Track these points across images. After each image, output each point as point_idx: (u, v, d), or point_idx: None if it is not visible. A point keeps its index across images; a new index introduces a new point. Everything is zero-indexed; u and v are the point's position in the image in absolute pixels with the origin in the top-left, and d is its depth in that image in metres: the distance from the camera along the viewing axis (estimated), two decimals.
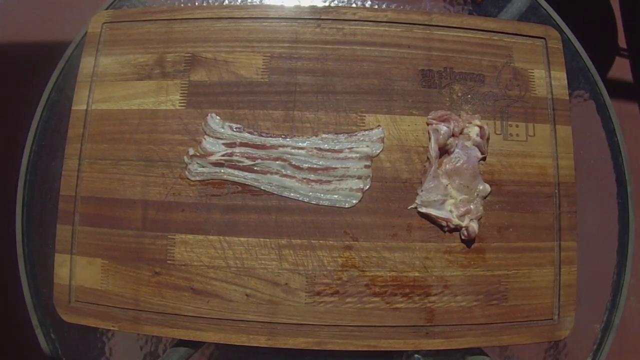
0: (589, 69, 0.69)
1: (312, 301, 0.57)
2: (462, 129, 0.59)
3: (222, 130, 0.60)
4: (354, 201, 0.58)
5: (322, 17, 0.63)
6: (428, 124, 0.60)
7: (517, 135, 0.61)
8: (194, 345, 0.60)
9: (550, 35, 0.63)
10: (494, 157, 0.60)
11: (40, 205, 0.65)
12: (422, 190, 0.58)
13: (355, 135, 0.60)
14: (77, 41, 0.68)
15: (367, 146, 0.59)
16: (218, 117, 0.60)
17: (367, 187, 0.58)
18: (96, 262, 0.58)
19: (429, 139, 0.59)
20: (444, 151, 0.60)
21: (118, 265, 0.58)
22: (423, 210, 0.58)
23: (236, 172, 0.59)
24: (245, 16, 0.63)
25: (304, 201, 0.58)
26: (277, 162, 0.59)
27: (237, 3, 0.70)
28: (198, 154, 0.59)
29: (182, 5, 0.71)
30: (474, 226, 0.57)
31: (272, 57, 0.62)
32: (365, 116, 0.60)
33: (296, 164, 0.59)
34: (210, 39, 0.62)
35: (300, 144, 0.59)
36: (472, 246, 0.58)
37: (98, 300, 0.58)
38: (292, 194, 0.58)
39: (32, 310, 0.62)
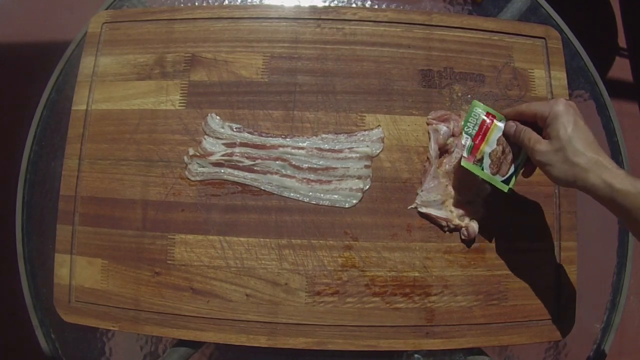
0: (589, 69, 0.69)
1: (312, 301, 0.57)
2: (462, 129, 0.59)
3: (222, 130, 0.60)
4: (354, 201, 0.58)
5: (322, 17, 0.63)
6: (428, 124, 0.60)
7: None
8: (194, 345, 0.60)
9: (550, 35, 0.63)
10: None
11: (40, 205, 0.65)
12: (422, 190, 0.58)
13: (355, 135, 0.60)
14: (77, 41, 0.68)
15: (367, 146, 0.59)
16: (218, 117, 0.60)
17: (367, 187, 0.58)
18: (96, 262, 0.58)
19: (429, 139, 0.59)
20: (444, 151, 0.60)
21: (118, 265, 0.58)
22: (423, 210, 0.58)
23: (236, 172, 0.59)
24: (245, 16, 0.63)
25: (304, 201, 0.58)
26: (277, 162, 0.59)
27: (237, 3, 0.70)
28: (198, 154, 0.59)
29: (182, 5, 0.71)
30: (474, 226, 0.57)
31: (272, 57, 0.62)
32: (365, 116, 0.60)
33: (296, 164, 0.59)
34: (210, 39, 0.62)
35: (300, 144, 0.59)
36: (472, 246, 0.58)
37: (98, 300, 0.58)
38: (292, 194, 0.58)
39: (32, 310, 0.62)
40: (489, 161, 0.53)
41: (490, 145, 0.53)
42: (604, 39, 1.32)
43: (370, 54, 0.62)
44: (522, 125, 0.51)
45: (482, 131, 0.53)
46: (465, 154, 0.54)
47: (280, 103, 0.60)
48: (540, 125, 0.49)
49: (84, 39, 0.64)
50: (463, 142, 0.53)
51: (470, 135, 0.53)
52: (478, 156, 0.53)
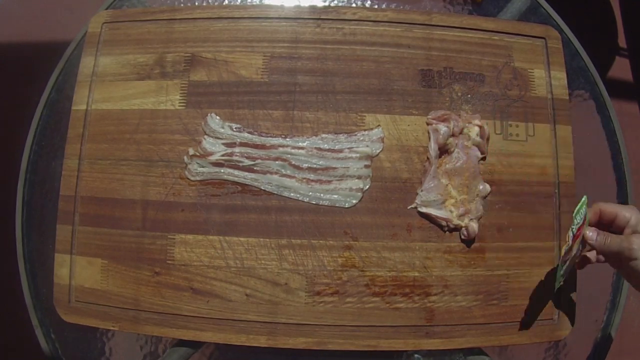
0: (589, 69, 0.69)
1: (312, 301, 0.57)
2: (462, 129, 0.59)
3: (222, 130, 0.60)
4: (354, 201, 0.58)
5: (322, 17, 0.63)
6: (428, 124, 0.60)
7: (517, 135, 0.61)
8: (194, 345, 0.60)
9: (550, 35, 0.63)
10: (494, 157, 0.60)
11: (40, 205, 0.65)
12: (422, 190, 0.58)
13: (355, 135, 0.60)
14: (77, 41, 0.68)
15: (367, 146, 0.59)
16: (218, 117, 0.60)
17: (367, 187, 0.58)
18: (96, 262, 0.58)
19: (429, 138, 0.59)
20: (444, 151, 0.60)
21: (118, 265, 0.58)
22: (423, 210, 0.58)
23: (236, 172, 0.59)
24: (245, 16, 0.63)
25: (304, 201, 0.58)
26: (277, 162, 0.59)
27: (237, 3, 0.70)
28: (198, 154, 0.59)
29: (182, 5, 0.71)
30: (474, 226, 0.57)
31: (272, 57, 0.62)
32: (365, 116, 0.60)
33: (296, 164, 0.59)
34: (210, 39, 0.62)
35: (300, 143, 0.59)
36: (472, 246, 0.58)
37: (98, 300, 0.58)
38: (292, 194, 0.58)
39: (32, 310, 0.62)
40: (566, 263, 0.51)
41: (576, 249, 0.51)
42: (604, 39, 1.32)
43: (370, 54, 0.62)
44: (602, 232, 0.50)
45: (578, 234, 0.50)
46: (562, 252, 0.50)
47: (280, 103, 0.60)
48: (618, 224, 0.50)
49: (84, 39, 0.64)
50: (569, 238, 0.50)
51: (573, 233, 0.50)
52: (565, 257, 0.50)
